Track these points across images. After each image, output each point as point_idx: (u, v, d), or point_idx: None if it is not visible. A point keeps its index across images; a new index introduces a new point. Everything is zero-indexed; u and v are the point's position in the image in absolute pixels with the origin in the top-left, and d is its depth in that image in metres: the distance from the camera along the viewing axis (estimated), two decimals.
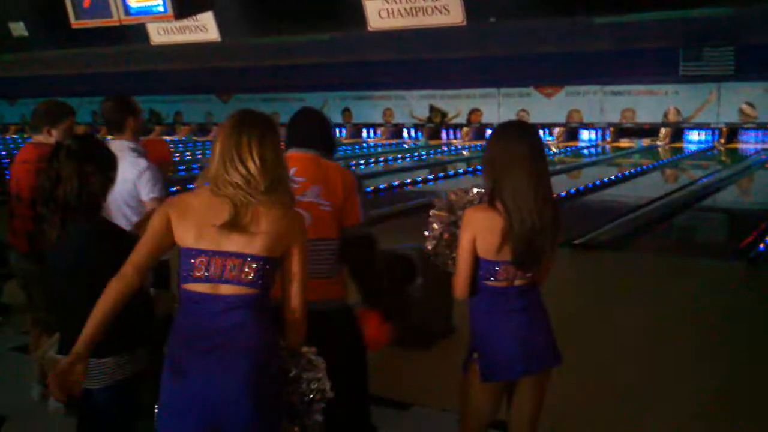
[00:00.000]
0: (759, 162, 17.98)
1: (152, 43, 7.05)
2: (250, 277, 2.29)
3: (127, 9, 5.83)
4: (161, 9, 5.68)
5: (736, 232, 9.76)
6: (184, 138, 27.67)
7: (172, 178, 13.36)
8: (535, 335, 2.76)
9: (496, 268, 2.67)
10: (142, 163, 3.84)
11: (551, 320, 2.84)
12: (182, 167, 16.53)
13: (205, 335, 2.29)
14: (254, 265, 2.28)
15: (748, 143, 21.48)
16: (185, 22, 6.58)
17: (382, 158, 19.82)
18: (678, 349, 5.09)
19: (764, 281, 7.03)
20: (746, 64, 19.02)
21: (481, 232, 2.65)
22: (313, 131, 3.24)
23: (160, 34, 6.98)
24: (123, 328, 2.77)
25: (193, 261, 2.29)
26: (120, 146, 3.72)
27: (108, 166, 2.88)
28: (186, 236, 2.30)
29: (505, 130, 2.76)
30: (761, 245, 8.06)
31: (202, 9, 6.08)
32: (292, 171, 2.99)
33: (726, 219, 11.74)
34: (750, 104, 21.37)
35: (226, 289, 2.28)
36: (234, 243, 2.28)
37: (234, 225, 2.27)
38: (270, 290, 2.36)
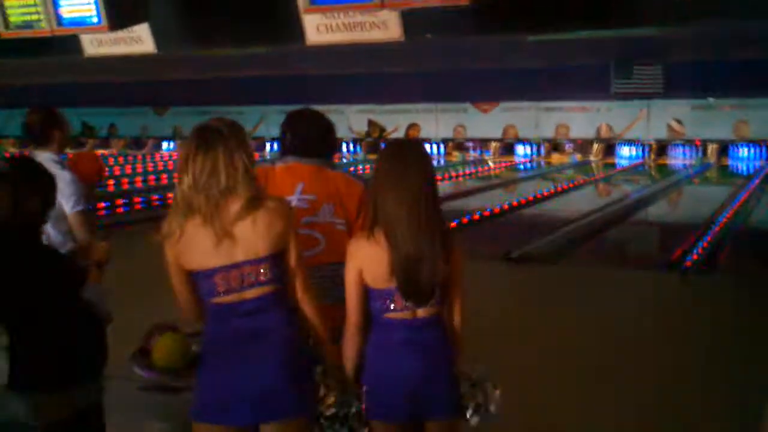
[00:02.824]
0: (687, 177, 18.54)
1: (85, 55, 6.90)
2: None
3: (59, 20, 5.70)
4: (95, 20, 5.57)
5: (667, 244, 10.02)
6: (118, 152, 27.12)
7: (103, 193, 13.09)
8: (433, 378, 2.55)
9: (391, 296, 2.50)
10: (67, 176, 3.78)
11: (455, 360, 2.62)
12: (116, 181, 16.19)
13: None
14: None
15: (677, 159, 22.15)
16: (120, 34, 6.46)
17: None
18: (613, 359, 5.18)
19: (696, 292, 7.23)
20: (674, 82, 19.61)
21: (365, 260, 2.50)
22: (317, 137, 2.93)
23: (94, 45, 6.84)
24: (73, 359, 2.68)
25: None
26: (45, 159, 3.64)
27: (47, 188, 2.79)
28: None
29: (385, 151, 2.61)
30: (692, 257, 8.31)
31: (137, 21, 5.98)
32: (299, 187, 2.84)
33: (657, 232, 12.06)
34: (678, 121, 22.06)
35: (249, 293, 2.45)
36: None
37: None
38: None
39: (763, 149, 21.15)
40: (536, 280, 7.82)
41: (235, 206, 2.39)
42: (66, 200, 3.74)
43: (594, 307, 6.48)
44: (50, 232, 3.63)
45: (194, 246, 2.41)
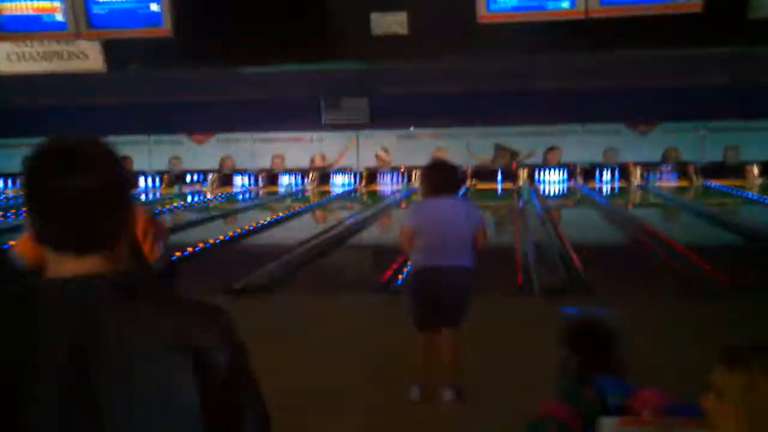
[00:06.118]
0: (395, 202, 19.76)
1: None
2: None
3: None
4: None
5: (379, 266, 10.56)
6: None
7: None
8: None
9: None
10: None
11: None
12: None
13: None
14: None
15: (385, 185, 23.56)
16: None
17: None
18: (330, 381, 5.36)
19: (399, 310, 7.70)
20: (380, 114, 20.93)
21: None
22: None
23: None
24: None
25: None
26: None
27: None
28: None
29: None
30: (399, 278, 8.85)
31: None
32: None
33: (371, 255, 12.70)
34: (385, 150, 23.52)
35: None
36: None
37: None
38: None
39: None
40: (258, 309, 7.86)
41: None
42: None
43: (309, 333, 6.67)
44: None
45: None
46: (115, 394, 1.34)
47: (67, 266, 1.41)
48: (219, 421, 1.40)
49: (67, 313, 1.37)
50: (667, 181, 22.61)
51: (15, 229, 14.55)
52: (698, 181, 22.20)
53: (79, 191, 1.38)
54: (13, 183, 24.90)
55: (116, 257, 1.45)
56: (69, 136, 1.48)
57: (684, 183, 22.27)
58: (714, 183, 21.43)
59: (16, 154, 24.43)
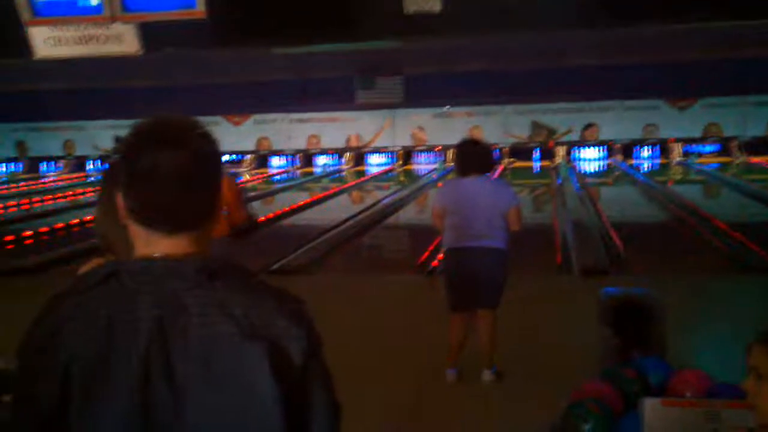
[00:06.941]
0: (432, 181, 19.68)
1: None
2: None
3: None
4: None
5: (415, 247, 10.53)
6: None
7: None
8: None
9: None
10: None
11: None
12: None
13: None
14: None
15: (421, 164, 23.46)
16: None
17: (66, 194, 18.52)
18: (366, 362, 5.37)
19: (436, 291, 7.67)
20: (415, 92, 20.80)
21: None
22: None
23: None
24: None
25: None
26: None
27: None
28: None
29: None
30: (438, 258, 8.80)
31: None
32: None
33: (407, 235, 12.67)
34: (421, 128, 23.40)
35: None
36: None
37: None
38: None
39: (497, 151, 23.04)
40: (297, 291, 7.88)
41: None
42: None
43: (346, 313, 6.66)
44: None
45: None
46: (194, 379, 1.34)
47: (156, 246, 1.40)
48: (292, 409, 1.38)
49: (153, 294, 1.37)
50: (708, 157, 22.17)
51: (57, 212, 14.79)
52: (741, 157, 21.70)
53: (176, 165, 1.38)
54: (55, 166, 25.30)
55: (204, 239, 1.45)
56: (162, 114, 1.51)
57: (726, 159, 21.81)
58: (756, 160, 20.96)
59: (57, 137, 24.86)
